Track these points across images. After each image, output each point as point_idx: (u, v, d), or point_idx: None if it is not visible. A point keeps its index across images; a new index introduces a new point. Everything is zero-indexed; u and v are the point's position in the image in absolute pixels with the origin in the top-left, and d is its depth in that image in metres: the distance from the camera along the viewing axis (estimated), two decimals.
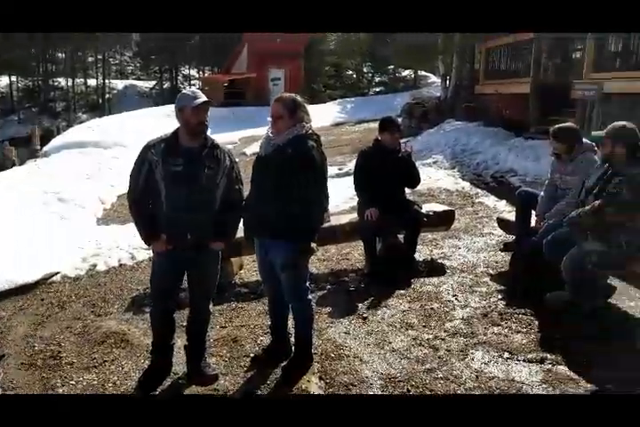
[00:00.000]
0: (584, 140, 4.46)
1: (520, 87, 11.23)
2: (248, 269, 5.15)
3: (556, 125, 4.53)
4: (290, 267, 3.10)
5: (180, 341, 3.46)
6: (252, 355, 3.52)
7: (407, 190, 5.19)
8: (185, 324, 3.43)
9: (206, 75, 37.13)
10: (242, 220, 3.30)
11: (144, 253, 5.63)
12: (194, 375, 3.28)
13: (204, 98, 3.02)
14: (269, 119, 3.17)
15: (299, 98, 3.17)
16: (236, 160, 3.27)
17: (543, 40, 10.74)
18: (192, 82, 36.91)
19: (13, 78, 33.61)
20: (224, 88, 25.15)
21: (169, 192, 3.03)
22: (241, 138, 17.09)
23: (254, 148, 14.22)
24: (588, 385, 3.07)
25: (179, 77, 37.44)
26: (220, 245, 3.22)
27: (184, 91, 3.20)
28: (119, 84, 37.00)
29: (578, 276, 3.76)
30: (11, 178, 10.15)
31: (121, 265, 5.58)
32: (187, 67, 39.03)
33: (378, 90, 29.31)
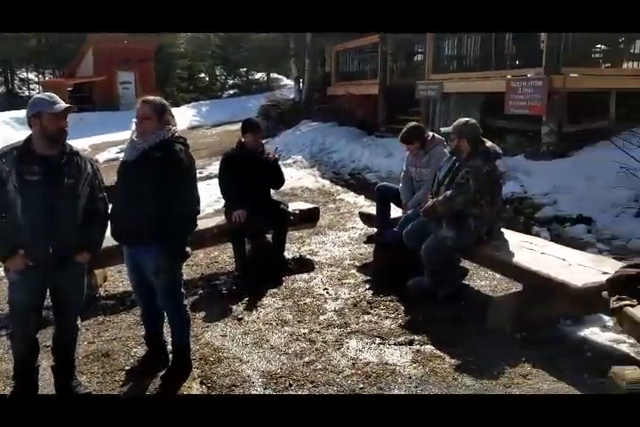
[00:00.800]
0: (435, 134, 4.83)
1: (369, 88, 11.82)
2: (112, 280, 4.92)
3: (402, 132, 4.82)
4: (164, 273, 3.02)
5: (45, 362, 3.23)
6: (127, 368, 3.39)
7: (272, 191, 5.27)
8: (49, 343, 3.21)
9: (47, 78, 34.56)
10: (109, 228, 3.16)
11: None
12: (64, 396, 3.08)
13: (63, 103, 2.82)
14: (134, 121, 3.07)
15: (165, 101, 3.11)
16: (99, 167, 3.11)
17: (387, 44, 11.38)
18: (31, 86, 34.18)
19: None
20: (68, 93, 23.58)
21: (25, 204, 2.77)
22: (91, 144, 16.17)
23: (107, 154, 13.56)
24: (453, 360, 3.34)
25: (15, 81, 34.48)
26: (85, 257, 3.01)
27: (38, 95, 2.95)
28: None
29: (435, 261, 4.07)
30: None
31: None
32: (24, 70, 36.06)
33: (232, 92, 29.20)
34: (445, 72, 9.88)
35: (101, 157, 13.10)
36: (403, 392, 3.03)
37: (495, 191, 4.17)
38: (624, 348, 3.35)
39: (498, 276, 4.43)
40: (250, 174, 4.81)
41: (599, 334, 3.54)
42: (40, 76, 36.58)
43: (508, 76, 7.77)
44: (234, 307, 4.26)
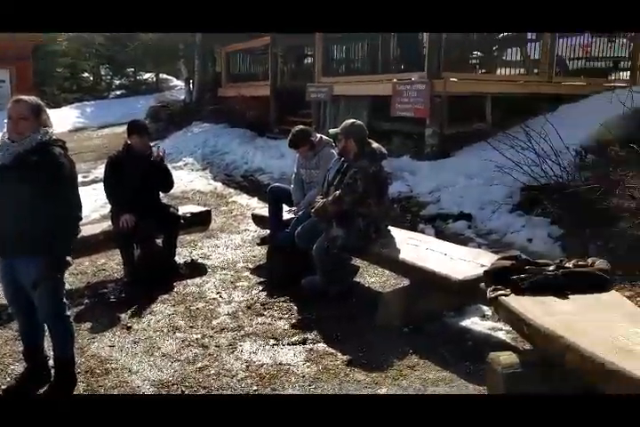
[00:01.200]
0: (323, 136, 4.91)
1: (260, 90, 11.81)
2: None
3: (289, 136, 4.88)
4: (44, 283, 2.84)
5: None
6: (2, 387, 3.16)
7: (161, 194, 5.14)
8: None
9: None
10: None
11: None
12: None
13: None
14: (8, 121, 2.86)
15: (40, 101, 2.94)
16: None
17: (277, 46, 11.44)
18: None
19: None
20: None
21: None
22: None
23: None
24: (344, 357, 3.41)
25: None
26: None
27: None
28: None
29: (326, 260, 4.14)
30: None
31: None
32: None
33: (119, 93, 28.04)
34: (335, 75, 10.09)
35: None
36: (297, 392, 3.05)
37: (382, 191, 4.31)
38: (501, 335, 3.59)
39: (387, 272, 4.59)
40: (137, 178, 4.66)
41: (479, 323, 3.77)
42: None
43: (394, 80, 8.06)
44: (123, 315, 4.10)
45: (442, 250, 3.98)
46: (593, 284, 2.97)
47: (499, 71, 9.08)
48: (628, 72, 9.48)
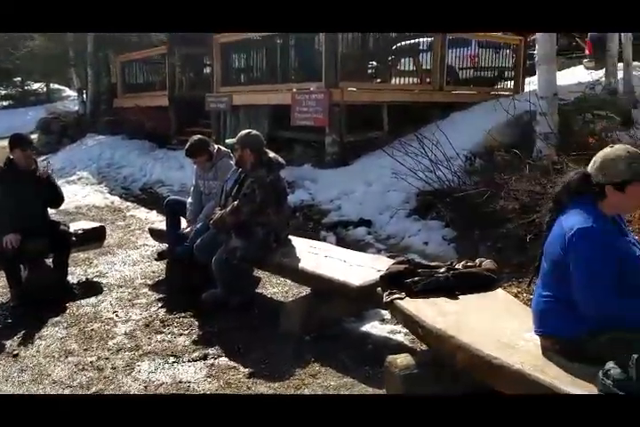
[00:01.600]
0: (221, 147, 4.85)
1: (158, 100, 11.54)
2: None
3: (186, 146, 4.80)
4: None
5: None
6: None
7: (51, 211, 4.87)
8: None
9: None
10: None
11: None
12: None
13: None
14: None
15: None
16: None
17: (174, 55, 11.23)
18: None
19: None
20: None
21: None
22: None
23: None
24: (246, 370, 3.36)
25: None
26: None
27: None
28: None
29: (226, 272, 4.08)
30: None
31: None
32: None
33: (5, 104, 26.45)
34: (234, 85, 10.04)
35: None
36: None
37: (281, 200, 4.31)
38: (400, 337, 3.68)
39: (289, 282, 4.59)
40: (22, 194, 4.40)
41: (379, 327, 3.85)
42: None
43: (294, 90, 8.13)
44: (8, 343, 3.82)
45: (340, 257, 4.03)
46: (480, 284, 3.11)
47: (394, 81, 9.39)
48: (512, 81, 10.12)
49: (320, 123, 7.62)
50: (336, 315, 3.88)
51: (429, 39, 9.28)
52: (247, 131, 4.40)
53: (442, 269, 3.20)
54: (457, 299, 2.98)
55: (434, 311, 2.83)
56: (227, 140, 4.61)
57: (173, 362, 3.50)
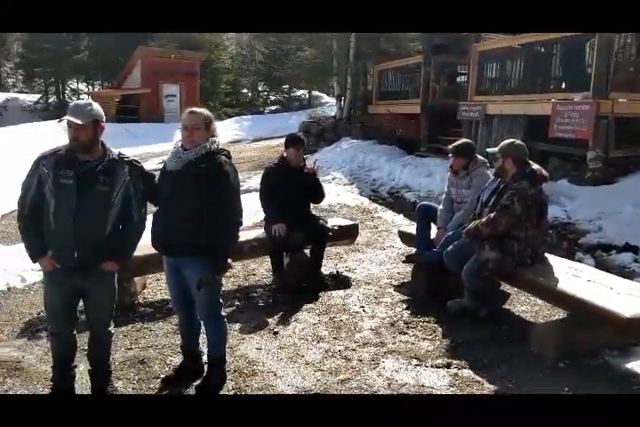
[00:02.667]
0: (478, 156, 4.78)
1: (410, 107, 11.81)
2: (151, 288, 4.98)
3: (456, 142, 4.81)
4: (206, 284, 3.02)
5: (82, 365, 3.28)
6: (162, 376, 3.40)
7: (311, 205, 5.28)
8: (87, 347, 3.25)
9: (96, 89, 35.65)
10: (150, 237, 3.19)
11: (35, 275, 5.27)
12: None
13: (69, 117, 2.77)
14: (181, 131, 3.11)
15: (210, 113, 3.17)
16: (143, 173, 3.10)
17: (430, 64, 11.39)
18: (81, 96, 35.22)
19: None
20: (116, 104, 24.30)
21: (57, 207, 2.81)
22: (135, 155, 16.43)
23: (149, 165, 13.81)
24: (491, 386, 3.25)
25: (66, 91, 35.55)
26: (112, 265, 2.97)
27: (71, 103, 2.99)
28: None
29: (476, 283, 3.99)
30: None
31: (9, 289, 5.18)
32: (75, 80, 37.23)
33: (273, 108, 29.61)
34: (488, 94, 9.80)
35: (144, 166, 13.36)
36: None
37: (541, 215, 4.07)
38: None
39: (539, 301, 4.33)
40: (290, 189, 4.84)
41: None
42: (89, 86, 37.78)
43: (553, 100, 7.66)
44: (270, 320, 4.25)
45: (606, 283, 3.66)
46: None
47: None
48: None
49: (583, 136, 7.04)
50: (596, 345, 3.54)
51: None
52: (511, 140, 4.24)
53: None
54: None
55: None
56: (488, 149, 4.51)
57: (416, 365, 3.54)
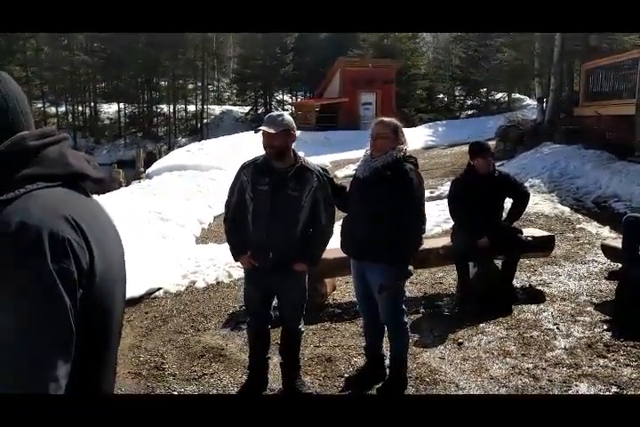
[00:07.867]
0: None
1: (623, 108, 10.72)
2: (341, 290, 5.19)
3: None
4: (388, 289, 3.10)
5: (276, 358, 3.54)
6: (346, 375, 3.54)
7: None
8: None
9: (298, 100, 38.19)
10: (340, 241, 3.35)
11: (239, 272, 5.81)
12: (289, 393, 3.33)
13: (264, 127, 2.97)
14: (371, 139, 3.23)
15: (399, 122, 3.24)
16: (330, 180, 3.24)
17: None
18: (285, 107, 38.02)
19: (122, 105, 35.92)
20: (316, 113, 25.72)
21: (255, 211, 3.10)
22: (332, 161, 17.34)
23: (345, 171, 14.38)
24: None
25: (272, 102, 38.65)
26: (302, 266, 3.17)
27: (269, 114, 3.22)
28: (216, 109, 38.61)
29: None
30: (118, 198, 10.80)
31: (218, 282, 5.78)
32: (280, 92, 40.32)
33: (470, 113, 28.92)
34: None
35: (340, 173, 13.97)
36: None
37: None
38: None
39: None
40: (479, 198, 4.70)
41: None
42: (293, 97, 40.60)
43: None
44: (454, 330, 4.18)
45: None
46: None
47: None
48: None
49: None
50: None
51: None
52: None
53: None
54: None
55: None
56: None
57: (616, 393, 3.22)
